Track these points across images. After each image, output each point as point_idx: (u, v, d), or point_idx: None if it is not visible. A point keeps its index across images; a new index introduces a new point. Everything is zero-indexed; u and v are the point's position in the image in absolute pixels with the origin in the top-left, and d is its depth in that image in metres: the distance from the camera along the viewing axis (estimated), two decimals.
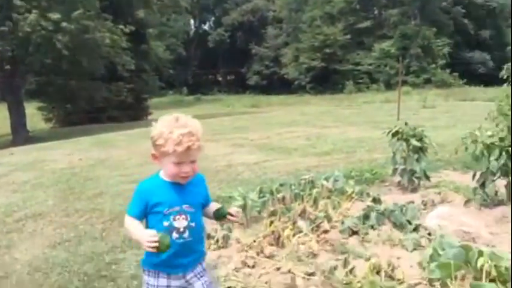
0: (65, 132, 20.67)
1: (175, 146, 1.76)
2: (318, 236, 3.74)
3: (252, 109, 27.86)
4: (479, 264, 2.70)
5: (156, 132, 1.81)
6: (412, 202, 4.32)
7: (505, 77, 5.85)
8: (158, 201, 1.85)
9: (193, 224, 1.88)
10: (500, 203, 4.29)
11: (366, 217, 3.91)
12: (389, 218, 3.95)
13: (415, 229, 3.71)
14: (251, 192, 4.66)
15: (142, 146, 10.76)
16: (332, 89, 38.75)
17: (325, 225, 3.87)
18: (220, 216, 2.05)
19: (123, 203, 5.24)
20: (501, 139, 4.21)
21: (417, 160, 5.01)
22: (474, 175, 4.41)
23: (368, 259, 3.14)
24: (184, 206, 1.87)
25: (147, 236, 1.74)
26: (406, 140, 5.02)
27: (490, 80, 26.47)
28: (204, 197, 2.02)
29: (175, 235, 1.85)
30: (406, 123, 5.16)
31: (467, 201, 4.38)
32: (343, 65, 41.35)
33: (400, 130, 5.08)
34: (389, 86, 35.96)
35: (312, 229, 3.83)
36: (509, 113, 5.63)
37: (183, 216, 1.86)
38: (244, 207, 4.21)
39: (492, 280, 2.63)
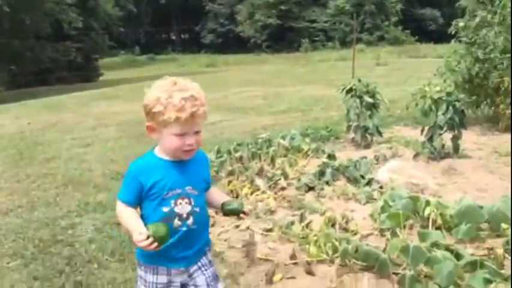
0: (11, 95, 19.57)
1: (178, 112, 1.48)
2: (276, 193, 3.83)
3: (207, 69, 27.35)
4: (426, 214, 2.88)
5: (152, 98, 1.53)
6: (365, 157, 4.48)
7: (453, 32, 6.01)
8: (155, 182, 1.56)
9: (197, 209, 1.62)
10: (446, 155, 4.52)
11: (321, 173, 4.03)
12: (343, 173, 4.09)
13: (368, 183, 3.88)
14: (209, 153, 4.67)
15: (95, 109, 10.46)
16: (288, 48, 38.48)
17: (282, 183, 3.97)
18: (233, 212, 1.77)
19: (76, 166, 5.13)
20: (448, 94, 4.40)
21: (370, 116, 5.15)
22: (423, 130, 4.60)
23: (323, 213, 3.26)
24: (187, 188, 1.60)
25: (136, 238, 1.47)
26: (360, 97, 5.13)
27: (440, 36, 27.06)
28: (207, 179, 1.76)
29: (177, 222, 1.58)
30: (359, 80, 5.25)
31: (416, 155, 4.59)
32: (298, 22, 40.99)
33: (354, 87, 5.18)
34: (344, 44, 36.12)
35: (270, 187, 3.91)
36: (456, 68, 5.85)
37: (186, 200, 1.59)
38: None
39: (438, 228, 2.82)
